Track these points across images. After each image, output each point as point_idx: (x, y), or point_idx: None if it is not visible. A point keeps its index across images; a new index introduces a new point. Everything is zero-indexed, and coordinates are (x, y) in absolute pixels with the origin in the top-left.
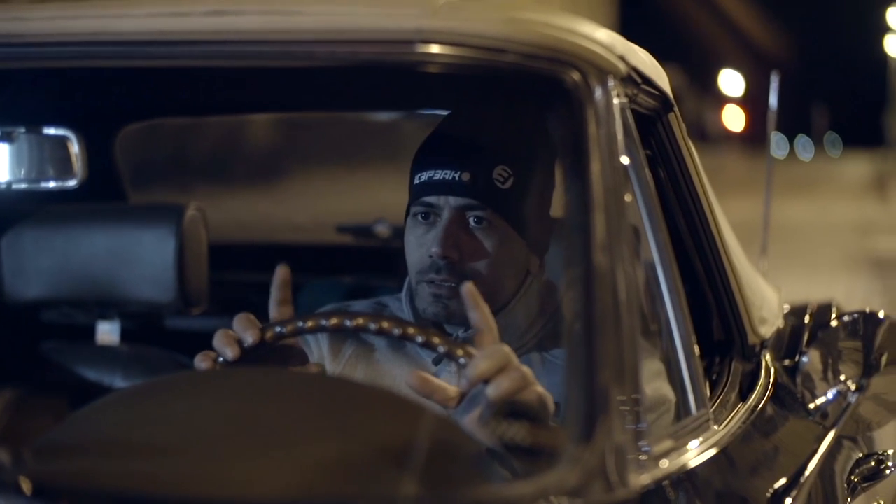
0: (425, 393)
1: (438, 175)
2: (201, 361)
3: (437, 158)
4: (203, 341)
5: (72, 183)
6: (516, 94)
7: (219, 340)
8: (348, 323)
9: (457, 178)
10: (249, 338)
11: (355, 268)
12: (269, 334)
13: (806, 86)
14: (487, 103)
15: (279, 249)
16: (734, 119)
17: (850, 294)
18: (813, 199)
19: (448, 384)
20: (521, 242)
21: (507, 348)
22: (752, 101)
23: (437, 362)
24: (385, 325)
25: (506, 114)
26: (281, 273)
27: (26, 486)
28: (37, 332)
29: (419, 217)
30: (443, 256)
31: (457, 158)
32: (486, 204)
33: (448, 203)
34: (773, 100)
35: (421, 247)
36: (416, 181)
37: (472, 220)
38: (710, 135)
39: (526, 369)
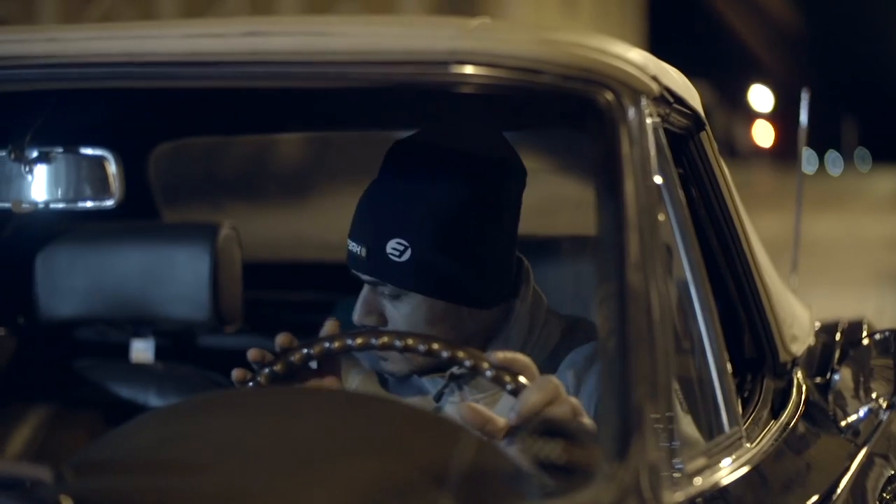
0: (477, 424)
1: (350, 247)
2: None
3: (351, 229)
4: (237, 359)
5: (109, 203)
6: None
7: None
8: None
9: (358, 253)
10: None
11: None
12: (296, 356)
13: (836, 101)
14: (406, 169)
15: (312, 267)
16: (764, 135)
17: (880, 310)
18: (843, 215)
19: (497, 416)
20: (444, 304)
21: (556, 380)
22: (782, 117)
23: (437, 398)
24: (435, 346)
25: (412, 181)
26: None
27: (67, 503)
28: (71, 349)
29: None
30: (360, 325)
31: (359, 232)
32: (385, 279)
33: (359, 276)
34: (803, 116)
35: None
36: None
37: (382, 294)
38: (739, 150)
39: (574, 401)
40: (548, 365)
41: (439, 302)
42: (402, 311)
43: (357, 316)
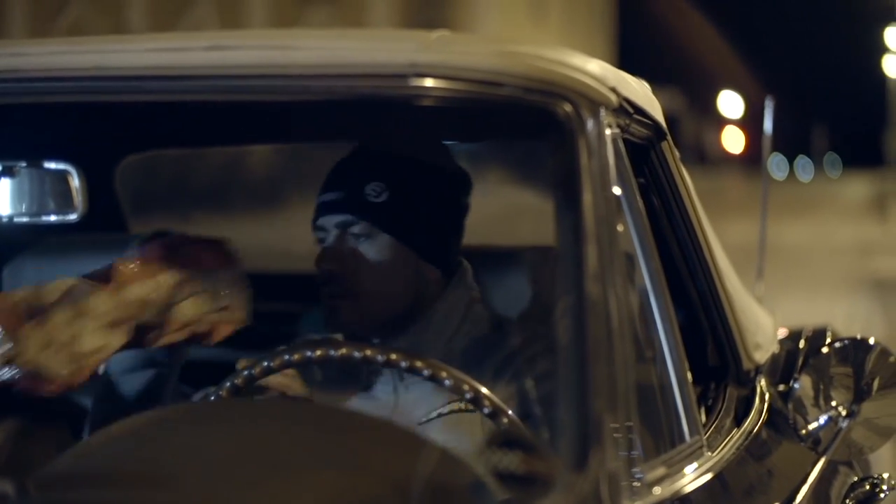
0: None
1: (322, 198)
2: None
3: (324, 185)
4: (205, 370)
5: (72, 216)
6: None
7: None
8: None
9: (333, 199)
10: None
11: None
12: (256, 369)
13: (806, 107)
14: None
15: (279, 278)
16: (734, 141)
17: (850, 316)
18: (813, 221)
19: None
20: (406, 252)
21: None
22: (752, 123)
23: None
24: (394, 356)
25: (385, 136)
26: None
27: None
28: None
29: (317, 241)
30: (322, 268)
31: (334, 181)
32: (360, 217)
33: (331, 222)
34: (767, 124)
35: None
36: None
37: (352, 236)
38: (709, 157)
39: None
40: (472, 357)
41: (403, 248)
42: (371, 254)
43: (320, 262)
